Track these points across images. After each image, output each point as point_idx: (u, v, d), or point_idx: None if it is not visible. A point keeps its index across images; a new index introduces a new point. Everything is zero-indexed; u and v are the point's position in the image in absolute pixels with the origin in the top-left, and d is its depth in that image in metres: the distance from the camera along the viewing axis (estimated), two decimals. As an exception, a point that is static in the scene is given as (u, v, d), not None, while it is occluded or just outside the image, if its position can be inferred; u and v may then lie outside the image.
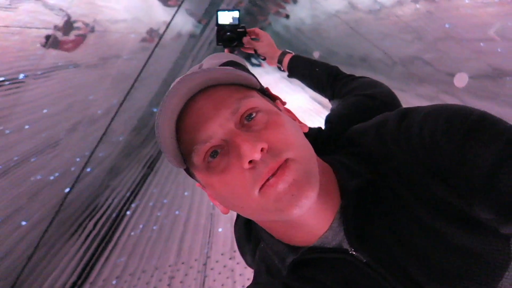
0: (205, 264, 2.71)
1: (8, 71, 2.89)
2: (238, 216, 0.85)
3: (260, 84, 0.64)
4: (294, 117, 0.66)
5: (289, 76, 1.26)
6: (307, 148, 0.56)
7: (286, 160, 0.51)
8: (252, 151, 0.49)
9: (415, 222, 0.53)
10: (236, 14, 1.23)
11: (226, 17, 1.22)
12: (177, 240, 2.96)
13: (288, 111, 0.67)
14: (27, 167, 2.67)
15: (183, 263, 2.73)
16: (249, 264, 0.82)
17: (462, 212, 0.51)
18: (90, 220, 2.72)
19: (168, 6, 4.83)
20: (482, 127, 0.49)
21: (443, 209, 0.52)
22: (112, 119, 3.74)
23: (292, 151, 0.52)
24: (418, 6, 4.00)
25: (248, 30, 1.25)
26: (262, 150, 0.50)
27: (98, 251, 2.56)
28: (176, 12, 4.78)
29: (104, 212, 2.88)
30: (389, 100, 0.90)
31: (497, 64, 3.14)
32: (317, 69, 1.16)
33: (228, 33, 1.22)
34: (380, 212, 0.56)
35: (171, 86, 0.53)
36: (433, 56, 4.07)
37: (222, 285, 2.51)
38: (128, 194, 3.39)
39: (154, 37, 4.73)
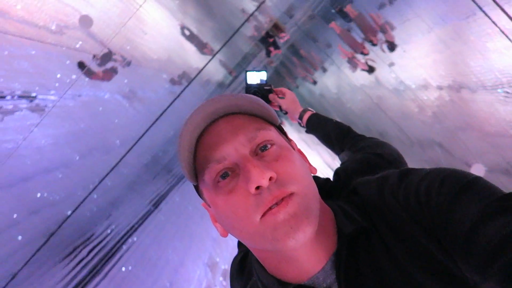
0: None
1: (41, 88, 3.01)
2: (237, 254, 0.86)
3: (279, 122, 0.68)
4: (305, 159, 0.69)
5: (307, 131, 1.32)
6: (312, 186, 0.58)
7: (291, 193, 0.53)
8: (261, 178, 0.51)
9: (401, 275, 0.54)
10: (263, 75, 1.29)
11: (254, 77, 1.28)
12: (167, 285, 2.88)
13: (300, 152, 0.70)
14: (35, 183, 2.70)
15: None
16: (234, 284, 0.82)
17: (448, 269, 0.51)
18: (85, 247, 2.67)
19: (203, 53, 5.07)
20: (473, 188, 0.50)
21: (431, 264, 0.52)
22: (128, 151, 3.80)
23: (298, 185, 0.54)
24: (442, 93, 4.09)
25: (275, 89, 1.32)
26: (270, 179, 0.53)
27: (86, 280, 2.49)
28: (209, 60, 5.00)
29: (100, 242, 2.84)
30: (395, 160, 0.94)
31: (515, 162, 3.13)
32: (331, 126, 1.22)
33: (255, 90, 1.27)
34: (370, 261, 0.57)
35: (200, 105, 0.57)
36: (452, 143, 4.10)
37: None
38: (127, 228, 3.35)
39: (183, 80, 4.92)
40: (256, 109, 0.61)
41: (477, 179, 0.52)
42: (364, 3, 5.23)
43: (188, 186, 4.97)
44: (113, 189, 3.63)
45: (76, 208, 2.81)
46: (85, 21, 3.26)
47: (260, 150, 0.58)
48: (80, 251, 2.66)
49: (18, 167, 2.62)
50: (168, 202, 4.37)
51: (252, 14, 5.75)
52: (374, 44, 4.96)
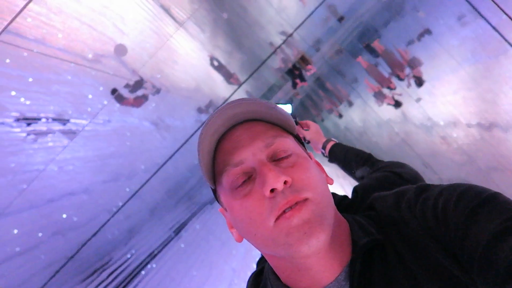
0: None
1: (74, 112, 3.12)
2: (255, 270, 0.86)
3: (297, 133, 0.70)
4: (322, 170, 0.70)
5: (329, 160, 1.34)
6: (327, 195, 0.59)
7: (305, 199, 0.54)
8: (276, 181, 0.52)
9: (415, 286, 0.53)
10: (289, 108, 1.32)
11: None
12: None
13: (318, 163, 0.71)
14: (61, 204, 2.75)
15: None
16: None
17: (463, 285, 0.51)
18: (104, 270, 2.68)
19: (230, 83, 5.17)
20: (490, 204, 0.50)
21: (446, 279, 0.52)
22: (151, 176, 3.85)
23: (312, 192, 0.55)
24: (472, 131, 3.99)
25: (300, 122, 1.36)
26: (285, 183, 0.54)
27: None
28: (235, 90, 5.09)
29: (120, 266, 2.84)
30: (414, 179, 0.94)
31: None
32: (352, 153, 1.24)
33: None
34: (384, 274, 0.56)
35: (220, 107, 0.58)
36: (484, 184, 3.94)
37: None
38: (147, 254, 3.34)
39: (210, 108, 5.01)
40: (275, 117, 0.62)
41: (495, 194, 0.51)
42: (392, 39, 5.26)
43: (209, 214, 4.96)
44: (135, 214, 3.66)
45: (98, 231, 2.84)
46: (120, 49, 3.41)
47: (277, 157, 0.59)
48: (100, 274, 2.66)
49: (47, 188, 2.69)
50: (188, 229, 4.36)
51: (278, 47, 5.87)
52: (401, 79, 4.94)
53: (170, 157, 3.98)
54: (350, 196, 0.96)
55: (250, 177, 0.58)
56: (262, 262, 1.06)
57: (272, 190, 0.53)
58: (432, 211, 0.55)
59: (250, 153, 0.58)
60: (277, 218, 0.53)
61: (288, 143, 0.61)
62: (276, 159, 0.59)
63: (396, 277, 0.55)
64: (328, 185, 0.67)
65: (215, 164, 0.62)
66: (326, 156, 1.35)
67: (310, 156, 0.69)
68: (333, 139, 1.37)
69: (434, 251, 0.53)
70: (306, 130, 1.37)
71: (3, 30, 2.08)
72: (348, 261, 0.59)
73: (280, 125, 0.64)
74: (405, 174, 0.95)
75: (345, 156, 1.25)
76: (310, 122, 1.38)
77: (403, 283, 0.54)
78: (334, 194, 0.88)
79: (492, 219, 0.47)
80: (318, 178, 0.59)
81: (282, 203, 0.53)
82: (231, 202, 0.60)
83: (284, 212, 0.53)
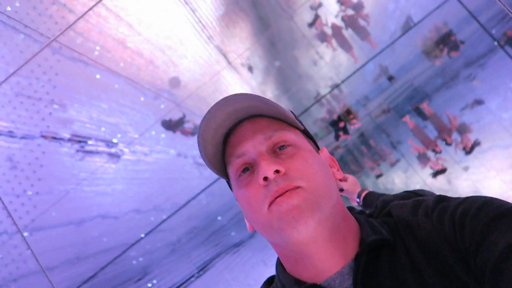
0: None
1: (123, 136, 3.28)
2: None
3: (304, 127, 0.72)
4: (332, 164, 0.71)
5: (362, 208, 1.34)
6: (325, 186, 0.60)
7: (297, 187, 0.56)
8: (267, 170, 0.55)
9: None
10: None
11: None
12: None
13: (332, 159, 0.73)
14: (91, 225, 2.82)
15: None
16: None
17: None
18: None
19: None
20: (509, 217, 0.49)
21: (455, 285, 0.51)
22: (178, 210, 3.89)
23: (306, 182, 0.57)
24: None
25: None
26: (278, 172, 0.57)
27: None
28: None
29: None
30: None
31: None
32: (386, 197, 1.22)
33: None
34: (391, 272, 0.56)
35: (217, 103, 0.62)
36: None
37: None
38: (168, 286, 3.32)
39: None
40: (276, 112, 0.66)
41: None
42: (442, 103, 5.18)
43: (232, 256, 4.86)
44: (161, 245, 3.68)
45: (121, 254, 2.87)
46: (174, 82, 3.61)
47: (278, 149, 0.62)
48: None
49: (83, 208, 2.79)
50: (211, 269, 4.29)
51: (324, 96, 5.94)
52: (448, 144, 4.79)
53: (203, 191, 4.03)
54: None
55: (253, 167, 0.62)
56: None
57: (265, 179, 0.57)
58: (450, 218, 0.55)
59: (251, 145, 0.62)
60: (270, 205, 0.56)
61: (288, 136, 0.64)
62: (277, 151, 0.62)
63: (404, 279, 0.55)
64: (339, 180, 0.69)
65: (225, 156, 0.67)
66: (361, 205, 1.36)
67: (319, 151, 0.71)
68: (368, 188, 1.38)
69: (448, 257, 0.53)
70: (342, 180, 1.39)
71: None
72: (353, 256, 0.60)
73: (284, 120, 0.67)
74: (424, 194, 0.97)
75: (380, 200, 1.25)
76: (347, 175, 1.42)
77: (411, 283, 0.54)
78: (351, 208, 0.90)
79: (509, 231, 0.47)
80: (316, 169, 0.61)
81: (274, 190, 0.56)
82: (237, 191, 0.64)
83: (276, 198, 0.56)
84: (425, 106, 5.09)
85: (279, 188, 0.56)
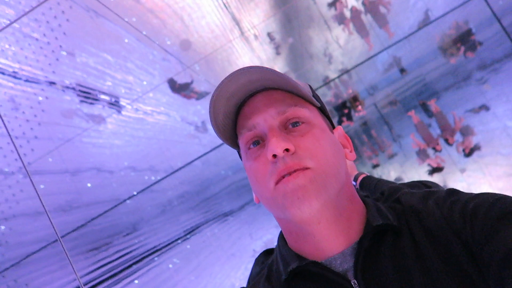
0: None
1: (127, 92, 3.26)
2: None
3: (322, 104, 0.70)
4: (346, 145, 0.70)
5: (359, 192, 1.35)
6: (334, 167, 0.59)
7: (306, 168, 0.56)
8: (276, 147, 0.54)
9: (424, 276, 0.53)
10: None
11: None
12: None
13: (346, 137, 0.71)
14: (86, 176, 2.85)
15: None
16: (252, 274, 0.85)
17: (474, 284, 0.50)
18: (110, 247, 2.73)
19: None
20: None
21: (457, 274, 0.52)
22: (177, 170, 3.91)
23: (315, 162, 0.57)
24: None
25: None
26: (288, 150, 0.56)
27: (100, 278, 2.52)
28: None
29: (126, 248, 2.88)
30: None
31: None
32: (383, 183, 1.25)
33: None
34: (394, 257, 0.56)
35: (231, 74, 0.60)
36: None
37: None
38: (153, 245, 3.38)
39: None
40: (291, 86, 0.63)
41: None
42: (449, 102, 5.14)
43: (220, 225, 4.94)
44: (153, 205, 3.72)
45: (113, 207, 2.91)
46: (185, 44, 3.55)
47: (291, 125, 0.61)
48: (106, 249, 2.72)
49: (83, 158, 2.80)
50: (197, 234, 4.36)
51: (332, 80, 5.89)
52: (449, 144, 4.79)
53: (199, 157, 4.05)
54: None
55: (263, 141, 0.61)
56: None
57: (274, 156, 0.56)
58: (461, 210, 0.55)
59: (263, 118, 0.60)
60: (277, 182, 0.56)
61: (303, 113, 0.62)
62: (289, 127, 0.61)
63: (406, 264, 0.55)
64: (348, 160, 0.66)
65: (237, 127, 0.66)
66: (357, 188, 1.37)
67: (331, 130, 0.69)
68: (364, 172, 1.38)
69: (454, 247, 0.54)
70: None
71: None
72: (357, 238, 0.59)
73: (300, 96, 0.65)
74: (434, 187, 0.96)
75: (375, 187, 1.27)
76: None
77: (413, 268, 0.54)
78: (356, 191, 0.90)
79: None
80: (327, 149, 0.60)
81: (281, 168, 0.55)
82: (245, 163, 0.64)
83: (283, 177, 0.55)
84: (432, 103, 5.05)
85: (286, 167, 0.55)
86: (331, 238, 0.59)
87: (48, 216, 1.81)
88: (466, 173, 4.81)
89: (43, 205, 1.88)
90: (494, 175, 4.35)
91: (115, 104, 3.16)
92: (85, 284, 2.40)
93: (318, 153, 0.58)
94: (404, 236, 0.59)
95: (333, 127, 0.71)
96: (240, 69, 0.59)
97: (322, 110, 0.70)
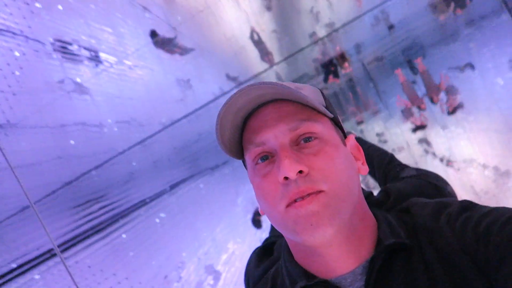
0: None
1: (106, 47, 3.14)
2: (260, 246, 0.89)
3: (335, 114, 0.66)
4: (358, 157, 0.67)
5: None
6: (348, 188, 0.56)
7: (319, 191, 0.53)
8: (289, 169, 0.51)
9: None
10: None
11: None
12: (157, 262, 2.95)
13: (358, 148, 0.68)
14: (71, 131, 2.80)
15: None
16: (249, 273, 0.83)
17: None
18: (96, 204, 2.75)
19: (263, 61, 5.14)
20: None
21: None
22: (163, 129, 3.89)
23: (330, 185, 0.53)
24: (487, 172, 3.90)
25: None
26: (301, 172, 0.53)
27: (87, 233, 2.56)
28: (266, 69, 5.06)
29: (111, 203, 2.92)
30: (450, 194, 0.94)
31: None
32: (374, 150, 1.21)
33: None
34: (405, 278, 0.54)
35: (240, 89, 0.56)
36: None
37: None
38: (139, 200, 3.41)
39: (237, 79, 5.00)
40: (306, 101, 0.59)
41: None
42: (436, 61, 5.13)
43: (207, 180, 5.00)
44: (138, 160, 3.72)
45: (99, 166, 2.90)
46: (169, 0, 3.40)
47: (302, 141, 0.57)
48: (91, 206, 2.74)
49: (63, 112, 2.74)
50: (183, 189, 4.40)
51: (321, 39, 5.78)
52: (433, 103, 4.84)
53: (186, 116, 4.01)
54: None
55: (273, 156, 0.58)
56: (269, 239, 1.06)
57: (286, 178, 0.53)
58: (473, 229, 0.53)
59: (273, 135, 0.57)
60: (288, 205, 0.53)
61: (316, 128, 0.58)
62: (301, 143, 0.57)
63: (418, 283, 0.53)
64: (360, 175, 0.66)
65: (243, 139, 0.63)
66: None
67: (345, 141, 0.66)
68: (353, 132, 1.33)
69: (466, 270, 0.51)
70: None
71: None
72: (368, 257, 0.57)
73: (312, 107, 0.60)
74: (442, 188, 0.92)
75: (366, 152, 1.18)
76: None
77: None
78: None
79: None
80: (341, 169, 0.57)
81: (293, 192, 0.52)
82: (253, 178, 0.61)
83: (295, 201, 0.53)
84: (418, 61, 5.04)
85: (299, 191, 0.53)
86: (341, 258, 0.57)
87: (15, 176, 1.80)
88: (447, 130, 4.91)
89: (8, 162, 1.86)
90: (475, 130, 4.45)
91: (94, 59, 3.06)
92: (71, 239, 2.43)
93: (332, 174, 0.55)
94: (415, 256, 0.56)
95: (345, 137, 0.68)
96: (251, 84, 0.55)
97: (334, 120, 0.66)
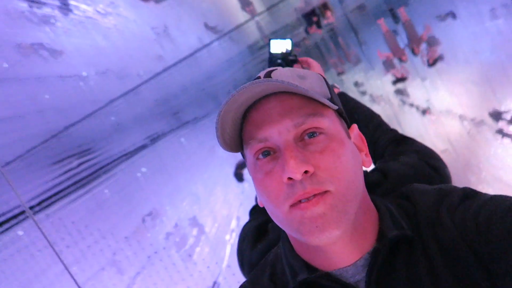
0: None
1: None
2: (251, 220, 0.89)
3: (339, 105, 0.64)
4: (361, 148, 0.65)
5: None
6: (354, 186, 0.55)
7: (326, 191, 0.51)
8: (295, 170, 0.49)
9: None
10: (288, 43, 1.21)
11: (278, 46, 1.20)
12: (141, 217, 3.00)
13: (361, 138, 0.66)
14: (47, 84, 2.69)
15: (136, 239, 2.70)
16: (244, 253, 0.81)
17: None
18: (76, 159, 2.71)
19: (245, 11, 4.96)
20: None
21: None
22: (144, 82, 3.78)
23: (336, 185, 0.52)
24: (464, 123, 4.01)
25: (300, 58, 1.22)
26: (306, 172, 0.51)
27: (69, 190, 2.54)
28: (247, 21, 4.89)
29: (92, 159, 2.88)
30: (447, 179, 0.91)
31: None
32: (360, 110, 1.14)
33: (279, 61, 1.19)
34: (407, 270, 0.54)
35: (242, 86, 0.52)
36: (459, 179, 4.07)
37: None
38: (120, 154, 3.38)
39: (216, 29, 4.84)
40: (311, 94, 0.56)
41: None
42: (418, 10, 5.06)
43: (185, 133, 4.97)
44: (119, 113, 3.64)
45: (80, 121, 2.83)
46: None
47: (307, 137, 0.55)
48: (71, 162, 2.70)
49: (36, 65, 2.61)
50: (163, 142, 4.38)
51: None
52: (415, 54, 4.84)
53: (166, 69, 3.90)
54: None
55: (275, 152, 0.55)
56: (256, 213, 1.03)
57: (290, 178, 0.51)
58: (473, 220, 0.52)
59: (277, 131, 0.54)
60: (292, 205, 0.52)
61: (322, 123, 0.55)
62: (305, 139, 0.55)
63: (419, 279, 0.53)
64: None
65: (243, 132, 0.60)
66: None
67: (349, 134, 0.63)
68: (336, 85, 1.27)
69: (469, 263, 0.51)
70: (306, 68, 1.19)
71: None
72: (370, 249, 0.57)
73: (318, 100, 0.56)
74: (440, 170, 0.90)
75: (351, 111, 1.14)
76: (311, 60, 1.20)
77: (426, 283, 0.52)
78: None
79: None
80: (348, 167, 0.54)
81: (299, 193, 0.51)
82: (253, 173, 0.58)
83: (300, 201, 0.51)
84: (402, 11, 4.96)
85: (305, 192, 0.50)
86: (344, 253, 0.56)
87: None
88: (427, 81, 4.97)
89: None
90: (453, 81, 4.52)
91: (63, 7, 2.89)
92: (53, 195, 2.41)
93: (339, 174, 0.53)
94: (417, 248, 0.56)
95: (348, 127, 0.65)
96: (254, 82, 0.52)
97: (339, 112, 0.63)
